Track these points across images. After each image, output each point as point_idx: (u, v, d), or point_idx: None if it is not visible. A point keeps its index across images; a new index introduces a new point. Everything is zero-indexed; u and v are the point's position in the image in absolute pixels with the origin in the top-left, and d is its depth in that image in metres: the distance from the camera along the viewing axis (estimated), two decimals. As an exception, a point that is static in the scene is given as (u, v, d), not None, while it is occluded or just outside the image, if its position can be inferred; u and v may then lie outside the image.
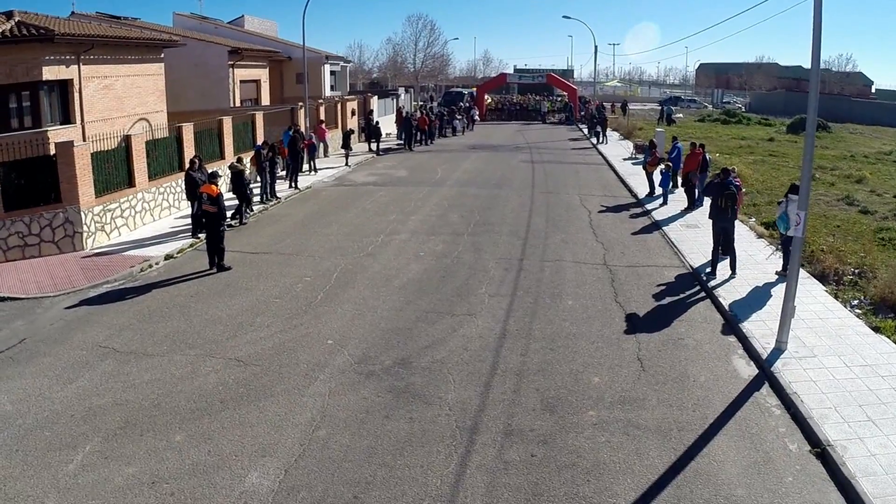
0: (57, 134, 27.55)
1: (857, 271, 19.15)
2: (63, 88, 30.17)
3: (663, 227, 25.43)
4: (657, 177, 30.36)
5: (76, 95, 30.43)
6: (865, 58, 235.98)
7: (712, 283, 18.74)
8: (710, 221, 19.77)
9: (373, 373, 13.60)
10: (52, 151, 22.72)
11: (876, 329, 15.34)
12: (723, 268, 19.31)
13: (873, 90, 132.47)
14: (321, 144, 42.48)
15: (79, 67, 30.41)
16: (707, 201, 27.33)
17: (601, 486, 9.99)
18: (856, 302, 17.20)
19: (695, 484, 10.02)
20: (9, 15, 28.46)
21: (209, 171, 22.79)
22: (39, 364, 14.03)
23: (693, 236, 23.78)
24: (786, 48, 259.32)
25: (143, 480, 10.09)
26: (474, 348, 14.76)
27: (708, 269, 19.66)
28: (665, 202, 29.35)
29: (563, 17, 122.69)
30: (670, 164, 30.07)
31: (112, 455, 10.76)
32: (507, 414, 12.05)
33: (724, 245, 19.60)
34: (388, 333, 15.57)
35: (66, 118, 30.30)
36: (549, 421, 11.82)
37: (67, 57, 29.66)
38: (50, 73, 28.73)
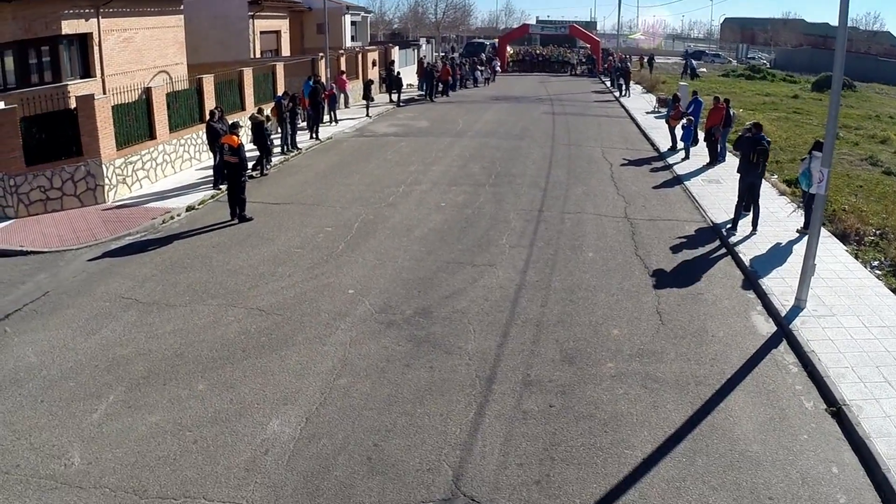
0: (77, 88, 27.50)
1: (878, 232, 18.99)
2: (82, 42, 30.06)
3: (685, 182, 25.30)
4: (679, 131, 30.13)
5: (96, 49, 30.31)
6: (894, 17, 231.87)
7: (732, 238, 18.69)
8: (738, 176, 19.59)
9: (393, 322, 13.71)
10: (73, 105, 22.69)
11: (896, 291, 15.28)
12: (744, 224, 19.22)
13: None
14: (342, 95, 42.32)
15: (98, 21, 30.26)
16: (729, 157, 27.31)
17: (618, 438, 10.08)
18: (876, 263, 17.11)
19: (710, 438, 10.10)
20: (27, -32, 28.35)
21: (230, 122, 22.80)
22: (63, 316, 14.18)
23: (714, 191, 23.67)
24: (813, 4, 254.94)
25: (167, 429, 10.26)
26: (494, 298, 14.84)
27: (729, 225, 19.60)
28: (687, 157, 29.16)
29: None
30: (692, 119, 29.79)
31: (135, 404, 10.92)
32: (526, 364, 12.14)
33: (749, 200, 19.43)
34: (409, 283, 15.66)
35: (86, 72, 30.23)
36: (568, 372, 11.90)
37: (86, 10, 29.52)
38: (69, 27, 28.61)
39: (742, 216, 19.41)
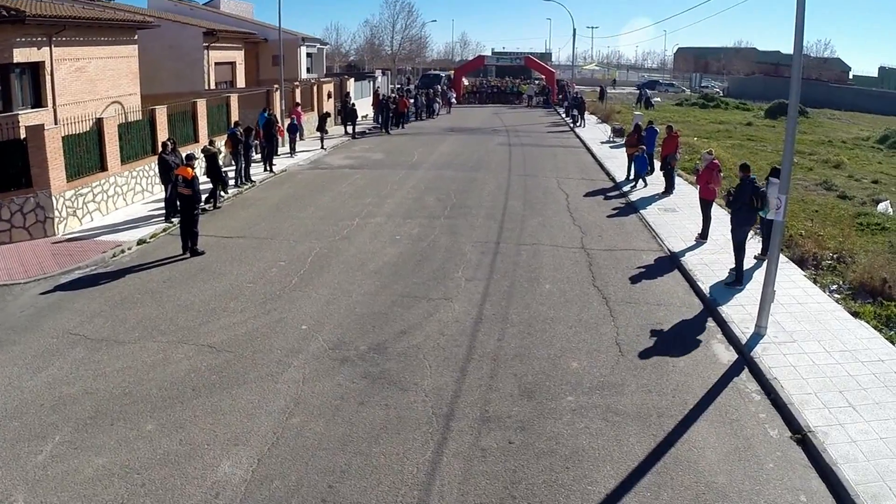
0: (28, 117, 27.05)
1: (835, 256, 19.12)
2: (34, 71, 29.63)
3: (641, 211, 25.34)
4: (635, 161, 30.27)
5: (48, 78, 29.90)
6: (843, 44, 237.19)
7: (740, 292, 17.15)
8: (733, 228, 17.75)
9: (347, 359, 13.43)
10: (23, 135, 22.31)
11: (855, 314, 15.34)
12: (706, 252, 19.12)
13: (851, 76, 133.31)
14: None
15: (50, 49, 29.87)
16: (683, 185, 27.43)
17: (580, 474, 9.87)
18: (834, 287, 17.18)
19: (675, 471, 9.92)
20: (-22, -4, 27.96)
21: (185, 153, 22.48)
22: (9, 352, 13.75)
23: (671, 220, 23.72)
24: (764, 33, 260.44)
25: (114, 471, 9.89)
26: (451, 333, 14.61)
27: (731, 280, 17.61)
28: (645, 184, 29.33)
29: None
30: (643, 147, 29.92)
31: (82, 445, 10.54)
32: (484, 400, 11.91)
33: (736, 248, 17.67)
34: (364, 318, 15.40)
35: (38, 101, 29.79)
36: (527, 407, 11.69)
37: (39, 39, 29.14)
38: (21, 55, 28.20)
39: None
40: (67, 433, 10.89)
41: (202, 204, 21.36)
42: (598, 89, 76.46)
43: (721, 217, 22.30)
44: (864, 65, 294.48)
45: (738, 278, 17.43)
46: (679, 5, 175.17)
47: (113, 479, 9.72)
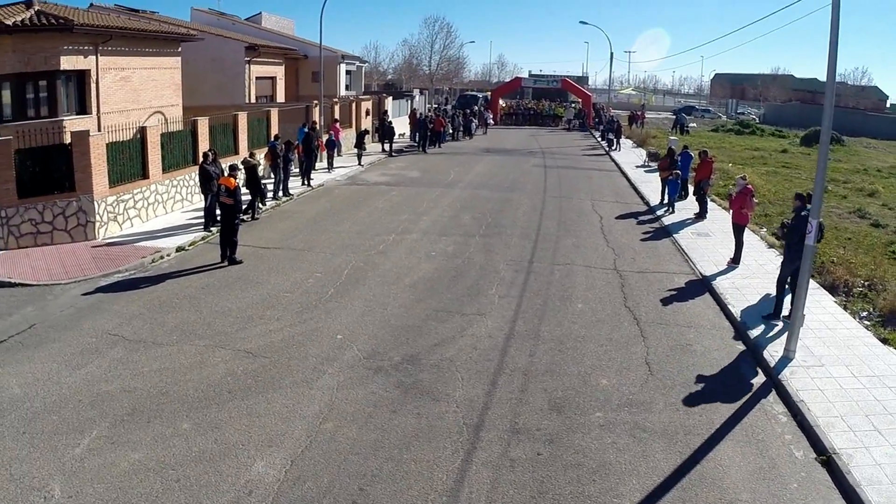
0: (73, 124, 27.63)
1: (866, 283, 19.06)
2: (80, 79, 30.31)
3: (674, 235, 25.39)
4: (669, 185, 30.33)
5: (93, 86, 30.57)
6: (881, 72, 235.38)
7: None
8: (783, 262, 17.01)
9: (381, 368, 13.62)
10: (68, 140, 22.80)
11: (884, 341, 15.34)
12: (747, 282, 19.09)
13: (888, 105, 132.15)
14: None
15: (96, 58, 30.54)
16: (716, 210, 27.45)
17: (606, 487, 9.99)
18: (865, 314, 17.16)
19: (700, 487, 10.02)
20: (28, 4, 28.62)
21: (227, 164, 22.84)
22: (49, 349, 14.10)
23: (703, 244, 23.75)
24: (801, 60, 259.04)
25: (149, 466, 10.13)
26: (483, 347, 14.77)
27: (768, 312, 16.95)
28: (672, 210, 29.35)
29: (580, 22, 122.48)
30: (678, 173, 30.00)
31: (119, 440, 10.80)
32: (514, 412, 12.06)
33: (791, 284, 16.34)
34: (398, 330, 15.60)
35: (83, 108, 30.45)
36: (556, 421, 11.83)
37: (86, 47, 29.79)
38: (68, 62, 28.85)
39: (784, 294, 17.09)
40: (105, 428, 11.15)
41: (241, 214, 21.67)
42: (629, 113, 76.58)
43: (754, 243, 22.39)
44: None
45: (775, 311, 16.80)
46: (715, 31, 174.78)
47: (148, 473, 9.96)
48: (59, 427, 11.16)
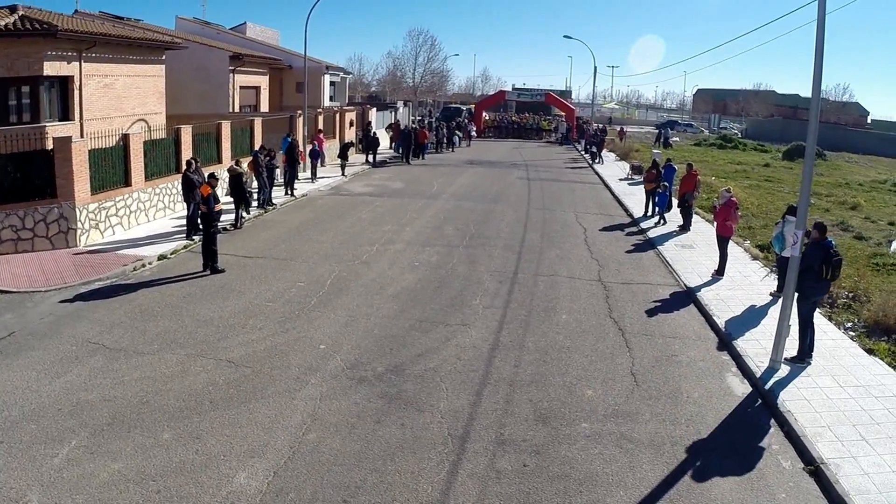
0: (55, 130, 27.48)
1: (850, 295, 19.17)
2: (63, 85, 30.14)
3: (658, 247, 25.39)
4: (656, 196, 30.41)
5: (76, 92, 30.42)
6: (862, 89, 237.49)
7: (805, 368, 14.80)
8: (798, 297, 14.95)
9: (365, 378, 13.50)
10: (50, 146, 22.62)
11: (870, 351, 15.41)
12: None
13: (869, 120, 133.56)
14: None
15: (80, 64, 30.38)
16: (699, 222, 27.46)
17: (594, 498, 9.90)
18: (849, 324, 17.25)
19: (688, 498, 9.95)
20: (13, 9, 28.48)
21: (208, 172, 22.70)
22: (28, 357, 13.91)
23: (688, 256, 23.75)
24: (783, 76, 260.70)
25: (129, 477, 9.97)
26: (467, 358, 14.67)
27: (790, 355, 14.80)
28: (664, 222, 29.41)
29: (565, 36, 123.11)
30: (666, 185, 30.08)
31: (98, 450, 10.64)
32: (500, 423, 11.96)
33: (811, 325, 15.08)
34: (381, 340, 15.48)
35: (65, 115, 30.27)
36: (542, 431, 11.74)
37: (69, 53, 29.63)
38: (51, 68, 28.68)
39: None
40: (84, 438, 10.99)
41: (224, 224, 21.47)
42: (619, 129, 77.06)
43: (738, 255, 22.40)
44: (882, 109, 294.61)
45: (799, 353, 14.78)
46: (698, 47, 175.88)
47: (128, 484, 9.80)
48: (37, 436, 10.98)
